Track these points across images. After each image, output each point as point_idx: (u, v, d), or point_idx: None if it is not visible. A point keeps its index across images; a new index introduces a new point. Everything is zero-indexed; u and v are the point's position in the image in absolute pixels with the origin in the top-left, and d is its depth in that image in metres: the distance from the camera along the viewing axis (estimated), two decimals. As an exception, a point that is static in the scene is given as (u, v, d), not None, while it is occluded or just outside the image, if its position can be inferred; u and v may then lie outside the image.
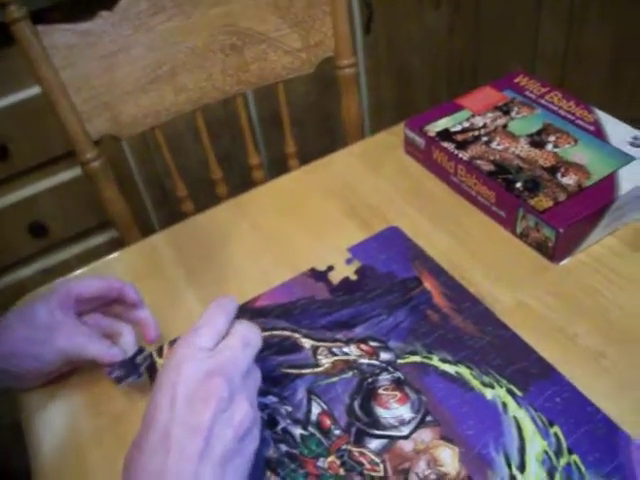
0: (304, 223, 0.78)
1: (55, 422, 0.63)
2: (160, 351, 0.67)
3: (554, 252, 0.68)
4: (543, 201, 0.69)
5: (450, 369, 0.60)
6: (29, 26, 0.82)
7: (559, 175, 0.72)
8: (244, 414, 0.48)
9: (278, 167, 1.14)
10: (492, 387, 0.58)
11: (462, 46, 1.84)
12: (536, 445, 0.54)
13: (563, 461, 0.52)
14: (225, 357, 0.50)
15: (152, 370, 0.64)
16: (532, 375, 0.58)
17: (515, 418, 0.55)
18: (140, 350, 0.64)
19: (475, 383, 0.58)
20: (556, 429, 0.54)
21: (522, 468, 0.52)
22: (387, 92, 1.84)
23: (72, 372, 0.65)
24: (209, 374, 0.48)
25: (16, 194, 1.46)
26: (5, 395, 0.64)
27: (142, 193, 1.62)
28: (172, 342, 0.67)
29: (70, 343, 0.61)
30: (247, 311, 0.68)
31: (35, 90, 1.29)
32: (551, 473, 0.52)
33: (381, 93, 1.83)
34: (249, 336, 0.53)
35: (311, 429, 0.57)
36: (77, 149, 0.92)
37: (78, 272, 0.78)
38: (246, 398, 0.49)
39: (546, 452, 0.53)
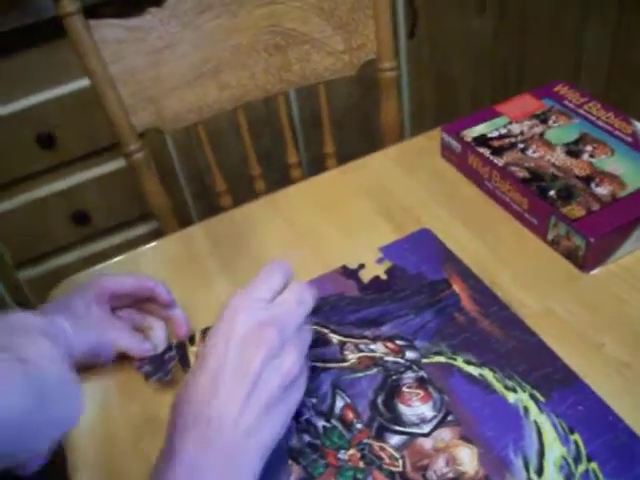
0: (337, 221, 0.79)
1: (87, 408, 0.64)
2: (192, 339, 0.68)
3: (584, 261, 0.68)
4: (575, 210, 0.69)
5: (474, 371, 0.61)
6: (81, 20, 0.85)
7: (593, 185, 0.73)
8: (292, 364, 0.50)
9: (316, 167, 1.15)
10: (515, 391, 0.58)
11: (507, 53, 1.83)
12: (555, 450, 0.54)
13: (581, 468, 0.53)
14: (280, 310, 0.52)
15: (185, 361, 0.66)
16: (555, 382, 0.59)
17: (536, 423, 0.56)
18: (170, 347, 0.66)
19: (498, 386, 0.59)
20: (576, 436, 0.55)
21: (540, 472, 0.53)
22: (429, 97, 1.84)
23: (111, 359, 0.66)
24: (263, 323, 0.50)
25: (61, 183, 1.50)
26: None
27: (183, 186, 1.65)
28: (204, 330, 0.69)
29: (104, 336, 0.63)
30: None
31: (84, 82, 1.34)
32: (569, 479, 0.52)
33: (423, 97, 1.83)
34: (304, 294, 0.55)
35: (334, 422, 0.58)
36: (121, 141, 0.94)
37: (116, 259, 0.81)
38: (295, 349, 0.51)
39: (565, 458, 0.54)
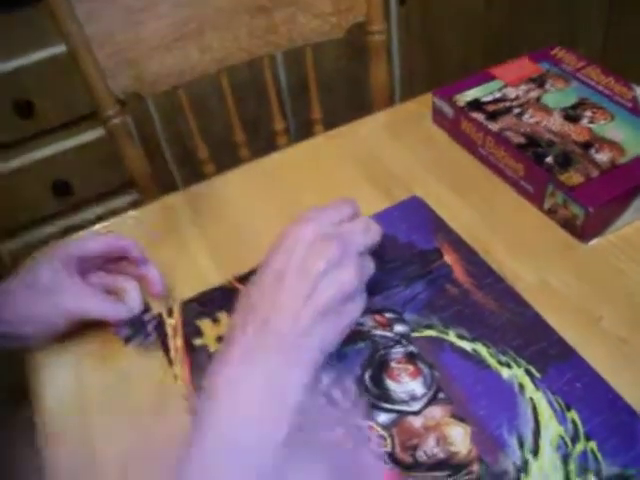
0: (324, 189, 0.76)
1: (61, 378, 0.62)
2: (170, 312, 0.65)
3: (582, 231, 0.65)
4: (574, 177, 0.66)
5: (466, 346, 0.58)
6: (54, -23, 0.81)
7: (593, 151, 0.69)
8: (349, 279, 0.52)
9: (304, 133, 1.11)
10: (509, 367, 0.56)
11: (499, 20, 1.79)
12: (551, 429, 0.51)
13: (579, 447, 0.50)
14: (345, 231, 0.54)
15: (161, 332, 0.63)
16: (552, 357, 0.56)
17: (531, 400, 0.53)
18: (147, 308, 0.63)
19: (492, 361, 0.56)
20: (573, 414, 0.52)
21: (535, 452, 0.50)
22: (419, 64, 1.79)
23: (79, 327, 0.63)
24: (328, 236, 0.53)
25: (41, 151, 1.46)
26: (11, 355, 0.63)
27: (165, 152, 1.61)
28: (183, 303, 0.66)
29: (75, 304, 0.61)
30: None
31: (62, 48, 1.28)
32: (566, 459, 0.50)
33: (413, 65, 1.79)
34: (371, 226, 0.57)
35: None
36: (99, 106, 0.90)
37: (94, 228, 0.77)
38: (354, 268, 0.52)
39: (562, 437, 0.51)
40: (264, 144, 1.16)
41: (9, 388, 0.96)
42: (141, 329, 0.61)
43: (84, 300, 0.61)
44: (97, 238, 0.64)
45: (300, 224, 0.54)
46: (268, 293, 0.51)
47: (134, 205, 1.16)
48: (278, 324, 0.50)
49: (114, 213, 1.54)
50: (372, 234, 0.57)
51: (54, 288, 0.60)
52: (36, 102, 1.37)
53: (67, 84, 1.34)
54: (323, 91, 1.09)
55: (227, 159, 1.10)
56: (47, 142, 1.45)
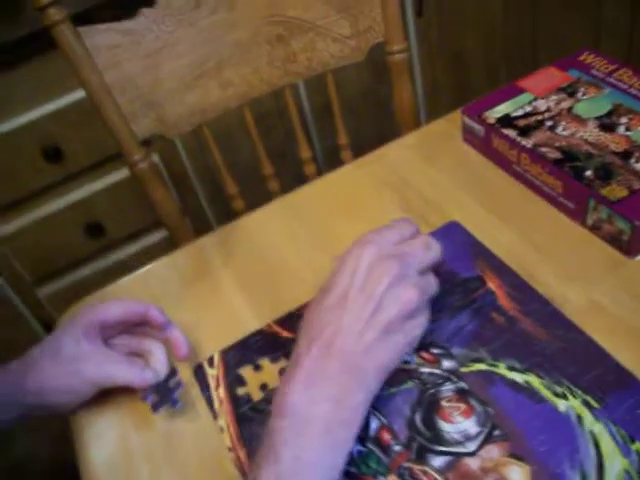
0: (358, 221, 0.74)
1: (105, 438, 0.61)
2: (211, 361, 0.64)
3: (629, 246, 0.62)
4: (616, 190, 0.63)
5: (518, 378, 0.55)
6: (70, 28, 0.80)
7: (633, 160, 0.66)
8: (410, 297, 0.53)
9: (332, 159, 1.10)
10: (565, 398, 0.53)
11: (519, 26, 1.75)
12: (616, 463, 0.49)
13: (648, 480, 0.47)
14: (406, 249, 0.56)
15: (203, 383, 0.62)
16: (609, 384, 0.53)
17: (592, 433, 0.51)
18: (173, 372, 0.61)
19: (546, 393, 0.54)
20: (638, 446, 0.49)
21: (601, 488, 0.48)
22: (442, 76, 1.77)
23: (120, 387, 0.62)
24: (389, 256, 0.54)
25: (72, 195, 1.47)
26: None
27: (196, 189, 1.60)
28: (223, 351, 0.64)
29: (99, 372, 0.60)
30: (298, 317, 0.64)
31: (83, 92, 1.29)
32: (634, 494, 0.47)
33: (436, 77, 1.77)
34: (432, 243, 0.58)
35: (370, 445, 0.53)
36: (124, 151, 0.90)
37: (126, 278, 0.77)
38: (416, 285, 0.54)
39: (627, 472, 0.48)
40: (292, 174, 1.15)
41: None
42: (168, 396, 0.60)
43: (107, 367, 0.60)
44: (117, 303, 0.64)
45: (360, 247, 0.55)
46: (332, 315, 0.53)
47: (168, 242, 1.16)
48: (342, 344, 0.51)
49: (148, 250, 1.57)
50: (433, 252, 0.58)
51: (77, 357, 0.60)
52: (64, 146, 1.38)
53: (92, 126, 1.34)
54: (348, 115, 1.08)
55: (256, 193, 1.09)
56: (77, 185, 1.46)
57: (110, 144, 1.36)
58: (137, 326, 0.65)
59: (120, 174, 1.47)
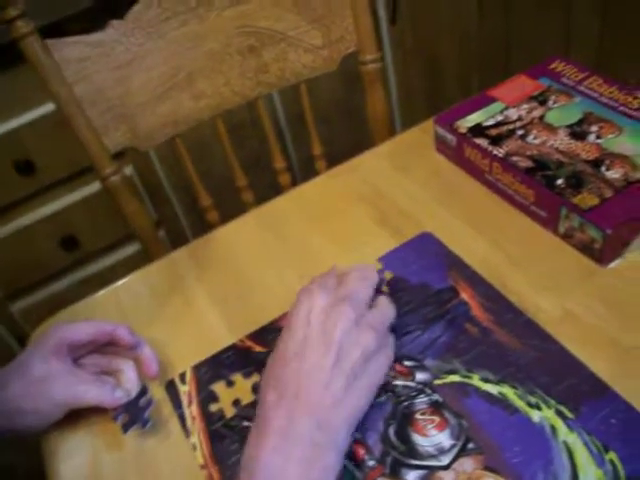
0: (331, 232, 0.74)
1: (76, 459, 0.60)
2: (183, 377, 0.63)
3: (602, 254, 0.62)
4: (587, 199, 0.64)
5: (492, 389, 0.55)
6: (38, 41, 0.79)
7: (604, 168, 0.67)
8: (368, 338, 0.53)
9: (308, 168, 1.10)
10: (539, 408, 0.53)
11: (492, 31, 1.76)
12: (590, 474, 0.48)
13: (622, 491, 0.47)
14: (348, 287, 0.56)
15: (176, 400, 0.61)
16: (583, 394, 0.53)
17: (565, 443, 0.50)
18: (143, 390, 0.61)
19: (520, 404, 0.53)
20: (612, 455, 0.49)
21: (576, 499, 0.47)
22: (417, 82, 1.78)
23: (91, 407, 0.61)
24: (338, 301, 0.54)
25: (45, 208, 1.45)
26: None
27: (172, 200, 1.59)
28: (195, 367, 0.63)
29: (68, 392, 0.59)
30: (274, 330, 0.64)
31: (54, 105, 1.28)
32: (609, 504, 0.47)
33: (410, 84, 1.77)
34: (364, 272, 0.59)
35: (344, 461, 0.52)
36: (95, 164, 0.89)
37: (97, 295, 0.75)
38: (371, 326, 0.54)
39: (602, 481, 0.48)
40: (267, 183, 1.14)
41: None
42: (138, 415, 0.59)
43: (77, 388, 0.59)
44: (85, 324, 0.62)
45: (308, 296, 0.55)
46: (294, 368, 0.51)
47: (142, 254, 1.15)
48: (309, 398, 0.50)
49: (124, 263, 1.55)
50: (370, 277, 0.59)
51: (46, 377, 0.58)
52: (36, 160, 1.36)
53: (65, 139, 1.32)
54: (322, 124, 1.08)
55: (231, 203, 1.08)
56: (51, 198, 1.44)
57: (83, 156, 1.35)
58: (107, 345, 0.64)
59: (94, 186, 1.46)
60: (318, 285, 0.56)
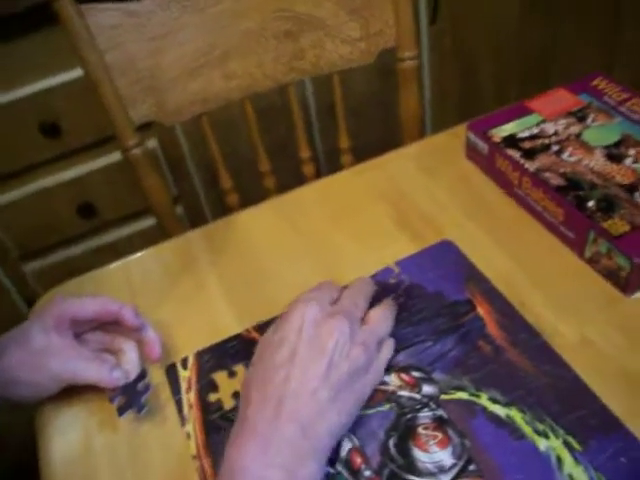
0: (349, 229, 0.72)
1: (68, 435, 0.59)
2: (185, 362, 0.62)
3: (627, 283, 0.60)
4: (618, 224, 0.61)
5: (500, 411, 0.53)
6: (72, 5, 0.78)
7: (638, 195, 0.64)
8: (359, 354, 0.52)
9: (333, 160, 1.08)
10: (547, 437, 0.51)
11: (534, 40, 1.73)
12: (594, 511, 0.47)
13: (625, 531, 0.45)
14: (342, 305, 0.56)
15: (175, 385, 0.60)
16: (594, 427, 0.51)
17: (571, 476, 0.49)
18: (143, 374, 0.59)
19: (527, 430, 0.52)
20: (618, 494, 0.47)
21: (576, 535, 0.46)
22: (451, 86, 1.74)
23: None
24: (332, 313, 0.54)
25: (67, 173, 1.45)
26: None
27: (193, 176, 1.58)
28: (198, 353, 0.62)
29: (66, 368, 0.58)
30: (279, 325, 0.63)
31: (88, 69, 1.27)
32: None
33: (445, 87, 1.74)
34: (363, 288, 0.59)
35: (339, 467, 0.51)
36: (118, 135, 0.87)
37: (107, 267, 0.74)
38: (362, 342, 0.53)
39: (605, 520, 0.46)
40: (290, 172, 1.13)
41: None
42: (134, 399, 0.57)
43: (75, 364, 0.58)
44: (90, 300, 0.61)
45: (303, 304, 0.54)
46: (282, 373, 0.50)
47: (159, 229, 1.14)
48: (296, 405, 0.49)
49: (141, 234, 1.54)
50: (365, 293, 0.59)
51: (45, 350, 0.57)
52: (62, 123, 1.35)
53: (93, 105, 1.31)
54: (352, 117, 1.05)
55: (252, 188, 1.06)
56: (73, 163, 1.44)
57: (109, 125, 1.35)
58: (111, 323, 0.62)
59: (117, 156, 1.45)
60: (314, 296, 0.56)
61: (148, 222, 1.57)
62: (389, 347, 0.57)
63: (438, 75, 1.72)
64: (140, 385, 0.58)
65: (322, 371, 0.50)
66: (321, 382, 0.50)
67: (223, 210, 0.86)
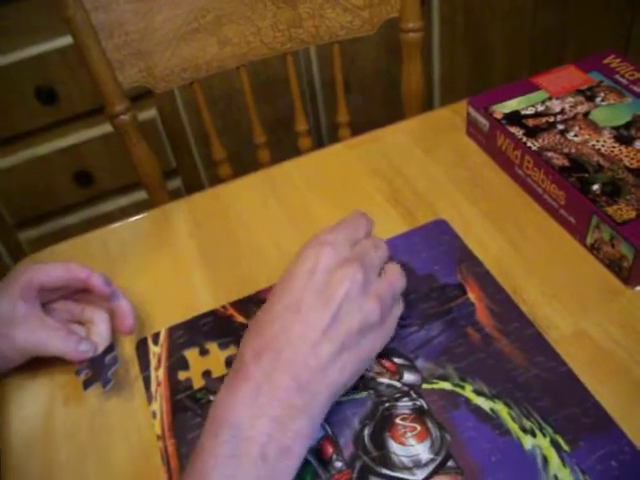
0: (339, 205, 0.68)
1: (29, 410, 0.56)
2: (156, 337, 0.59)
3: (630, 274, 0.56)
4: (623, 210, 0.57)
5: (485, 404, 0.49)
6: (57, -42, 0.74)
7: (646, 180, 0.60)
8: (373, 307, 0.48)
9: (333, 136, 1.04)
10: (533, 435, 0.47)
11: (548, 21, 1.68)
12: (579, 516, 0.43)
13: (612, 539, 0.42)
14: (361, 250, 0.51)
15: (144, 361, 0.57)
16: (584, 426, 0.47)
17: (556, 478, 0.45)
18: (111, 347, 0.56)
19: (513, 426, 0.48)
20: (606, 500, 0.44)
21: (559, 542, 0.42)
22: (461, 66, 1.70)
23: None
24: (347, 259, 0.49)
25: (63, 140, 1.43)
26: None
27: (192, 149, 1.55)
28: (171, 329, 0.59)
29: (31, 339, 0.54)
30: (256, 302, 0.59)
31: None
32: None
33: (455, 65, 1.69)
34: (378, 242, 0.53)
35: (309, 456, 0.48)
36: (105, 101, 0.84)
37: (84, 236, 0.71)
38: (379, 295, 0.49)
39: (591, 526, 0.43)
40: (290, 147, 1.09)
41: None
42: (101, 374, 0.54)
43: (41, 335, 0.54)
44: (58, 266, 0.57)
45: (318, 247, 0.50)
46: (284, 320, 0.47)
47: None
48: (294, 355, 0.45)
49: (139, 205, 1.51)
50: (383, 249, 0.53)
51: (11, 320, 0.54)
52: (59, 89, 1.32)
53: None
54: (358, 93, 1.01)
55: (247, 161, 1.03)
56: (70, 130, 1.41)
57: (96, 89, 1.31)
58: (82, 292, 0.59)
59: (114, 124, 1.42)
60: (332, 239, 0.50)
61: (145, 194, 1.54)
62: (400, 305, 0.53)
63: (448, 54, 1.67)
64: (108, 358, 0.55)
65: (327, 323, 0.46)
66: (325, 335, 0.46)
67: (219, 184, 0.82)
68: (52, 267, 0.57)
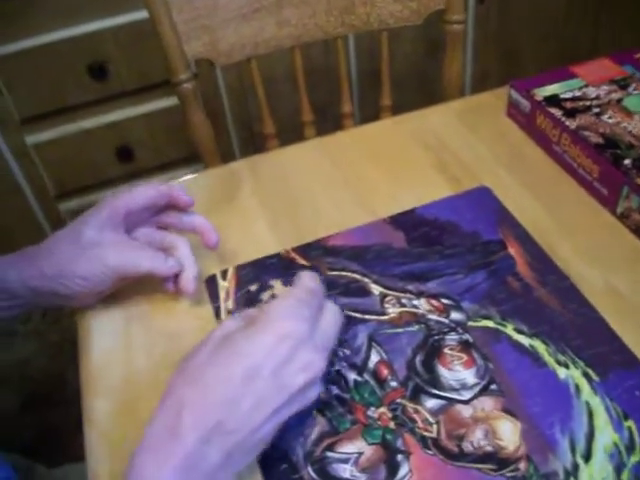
0: (389, 170, 0.74)
1: (108, 330, 0.62)
2: (224, 274, 0.65)
3: (656, 238, 0.62)
4: (653, 182, 0.63)
5: (524, 340, 0.56)
6: None
7: (674, 158, 0.66)
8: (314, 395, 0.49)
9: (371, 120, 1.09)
10: (567, 367, 0.53)
11: (579, 27, 1.74)
12: (607, 436, 0.49)
13: (634, 459, 0.48)
14: (321, 327, 0.50)
15: (214, 294, 0.63)
16: (613, 362, 0.53)
17: (587, 404, 0.51)
18: None
19: (549, 359, 0.54)
20: (630, 423, 0.50)
21: (587, 457, 0.48)
22: (493, 67, 1.76)
23: (127, 290, 0.63)
24: (312, 348, 0.48)
25: (109, 116, 1.47)
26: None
27: (230, 132, 1.61)
28: (238, 267, 0.65)
29: (121, 259, 0.58)
30: (319, 248, 0.66)
31: (142, 14, 1.29)
32: (619, 469, 0.47)
33: (487, 68, 1.75)
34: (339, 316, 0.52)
35: (366, 376, 0.54)
36: (172, 68, 0.90)
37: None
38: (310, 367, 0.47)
39: (616, 445, 0.49)
40: (330, 127, 1.15)
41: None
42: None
43: (130, 254, 0.58)
44: (141, 188, 0.60)
45: (279, 337, 0.47)
46: (233, 392, 0.45)
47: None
48: (235, 437, 0.44)
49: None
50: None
51: (99, 243, 0.58)
52: (110, 66, 1.38)
53: (143, 51, 1.35)
54: (394, 87, 1.07)
55: (292, 138, 1.09)
56: (116, 107, 1.47)
57: (156, 72, 1.38)
58: (160, 217, 0.63)
59: (160, 103, 1.48)
60: (294, 330, 0.47)
61: (183, 173, 1.60)
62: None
63: (481, 55, 1.73)
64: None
65: (273, 408, 0.45)
66: (268, 419, 0.45)
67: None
68: (136, 190, 0.60)
